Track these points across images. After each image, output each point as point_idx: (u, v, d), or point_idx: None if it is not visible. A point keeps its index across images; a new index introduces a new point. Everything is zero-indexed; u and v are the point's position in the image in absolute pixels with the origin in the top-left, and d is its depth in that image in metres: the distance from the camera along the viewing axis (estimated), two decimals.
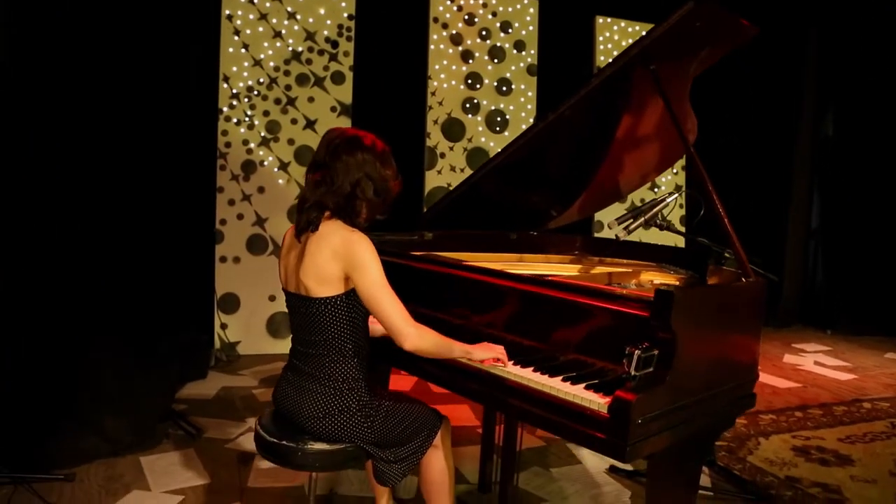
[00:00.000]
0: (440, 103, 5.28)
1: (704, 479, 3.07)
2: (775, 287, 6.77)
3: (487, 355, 2.02)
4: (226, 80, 4.69)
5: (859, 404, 4.36)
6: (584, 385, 1.83)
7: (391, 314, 1.91)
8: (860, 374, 5.08)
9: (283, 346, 4.86)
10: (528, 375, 1.92)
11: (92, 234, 3.58)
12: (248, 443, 3.32)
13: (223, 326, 4.73)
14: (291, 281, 2.05)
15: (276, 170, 4.83)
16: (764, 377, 4.84)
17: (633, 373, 1.71)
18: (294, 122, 4.85)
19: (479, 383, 2.04)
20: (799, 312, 6.86)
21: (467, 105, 5.36)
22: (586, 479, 3.11)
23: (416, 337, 1.92)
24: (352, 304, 1.98)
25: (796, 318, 6.82)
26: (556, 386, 1.85)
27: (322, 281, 1.94)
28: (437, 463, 2.20)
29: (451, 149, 5.30)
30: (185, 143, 4.44)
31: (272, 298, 4.83)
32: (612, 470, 3.21)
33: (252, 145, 4.77)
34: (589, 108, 2.54)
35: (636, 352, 1.70)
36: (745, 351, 2.10)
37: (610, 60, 2.48)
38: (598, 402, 1.75)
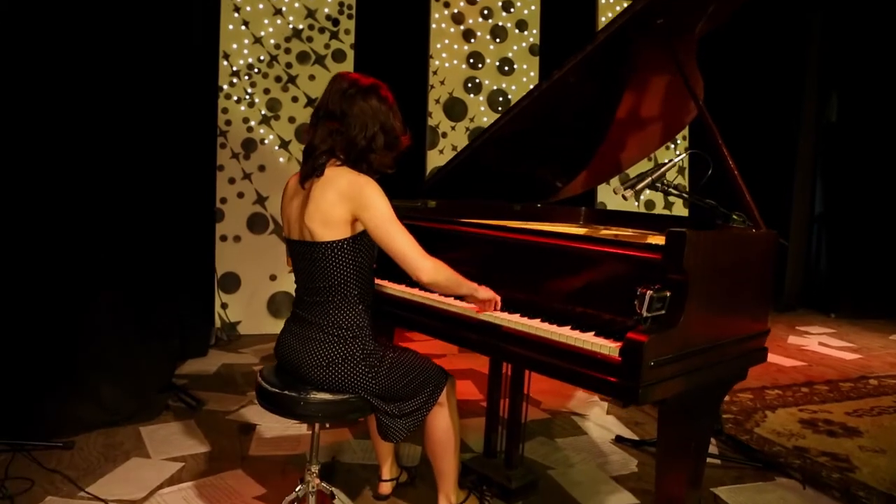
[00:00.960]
0: (442, 82, 5.24)
1: (711, 448, 3.03)
2: (779, 271, 6.74)
3: (490, 295, 2.02)
4: (226, 57, 4.66)
5: (865, 381, 4.32)
6: (593, 333, 1.80)
7: (405, 249, 1.89)
8: (865, 353, 5.05)
9: None
10: (536, 325, 1.89)
11: (93, 207, 3.53)
12: (249, 415, 3.29)
13: (224, 306, 4.69)
14: (295, 228, 2.01)
15: (276, 148, 4.79)
16: (769, 356, 4.80)
17: (644, 314, 1.67)
18: (295, 100, 4.81)
19: (489, 335, 2.02)
20: (802, 297, 6.82)
21: (469, 85, 5.33)
22: (592, 449, 3.07)
23: (433, 270, 1.90)
24: (358, 248, 1.94)
25: (799, 303, 6.78)
26: (565, 333, 1.82)
27: (327, 224, 1.90)
28: (442, 421, 2.17)
29: (453, 128, 5.26)
30: (185, 120, 4.38)
31: (273, 278, 4.79)
32: (618, 440, 3.17)
33: (252, 123, 4.73)
34: (595, 67, 2.49)
35: (648, 292, 1.67)
36: (758, 302, 2.06)
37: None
38: (608, 346, 1.71)
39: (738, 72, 6.45)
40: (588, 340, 1.76)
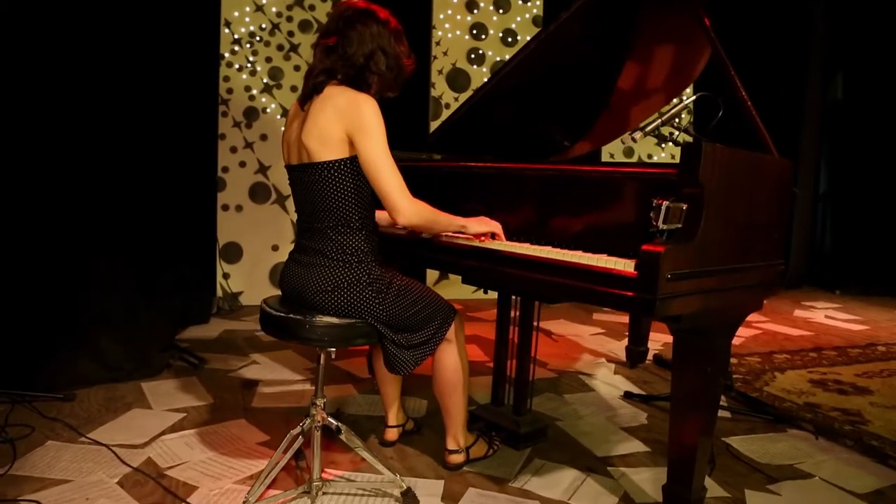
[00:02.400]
0: (445, 53, 5.20)
1: (721, 403, 2.98)
2: (784, 249, 6.67)
3: (483, 228, 2.01)
4: (227, 25, 4.61)
5: (874, 347, 4.28)
6: (605, 255, 1.76)
7: (389, 185, 1.84)
8: (872, 325, 5.00)
9: None
10: (548, 252, 1.86)
11: (96, 171, 3.50)
12: (251, 373, 3.25)
13: (225, 276, 4.65)
14: (294, 151, 1.97)
15: (278, 117, 4.74)
16: (775, 327, 4.77)
17: (660, 226, 1.63)
18: (297, 68, 4.77)
19: (501, 265, 1.97)
20: (807, 275, 6.77)
21: (472, 56, 5.28)
22: (601, 404, 3.03)
23: (412, 212, 1.87)
24: (357, 170, 1.90)
25: (804, 281, 6.73)
26: (578, 254, 1.78)
27: (324, 142, 1.85)
28: (450, 358, 2.13)
29: (456, 99, 5.21)
30: (186, 88, 4.34)
31: (275, 248, 4.74)
32: (627, 396, 3.13)
33: (254, 92, 4.68)
34: (602, 14, 2.45)
35: (664, 203, 1.63)
36: (773, 230, 2.02)
37: None
38: (623, 262, 1.67)
39: (742, 50, 6.39)
40: (602, 258, 1.73)
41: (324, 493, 2.05)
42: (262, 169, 4.71)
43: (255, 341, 3.83)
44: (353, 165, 1.89)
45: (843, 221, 6.81)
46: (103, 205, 3.54)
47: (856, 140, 6.66)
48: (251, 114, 4.67)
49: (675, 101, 3.13)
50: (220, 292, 4.60)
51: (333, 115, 1.85)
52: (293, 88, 4.76)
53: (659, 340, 4.08)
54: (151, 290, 3.60)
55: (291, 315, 1.86)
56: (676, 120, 2.56)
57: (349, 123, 1.84)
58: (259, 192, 4.72)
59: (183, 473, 2.17)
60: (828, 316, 5.30)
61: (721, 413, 2.86)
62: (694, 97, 2.64)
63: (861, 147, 6.61)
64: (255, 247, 4.70)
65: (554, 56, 2.55)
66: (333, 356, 1.95)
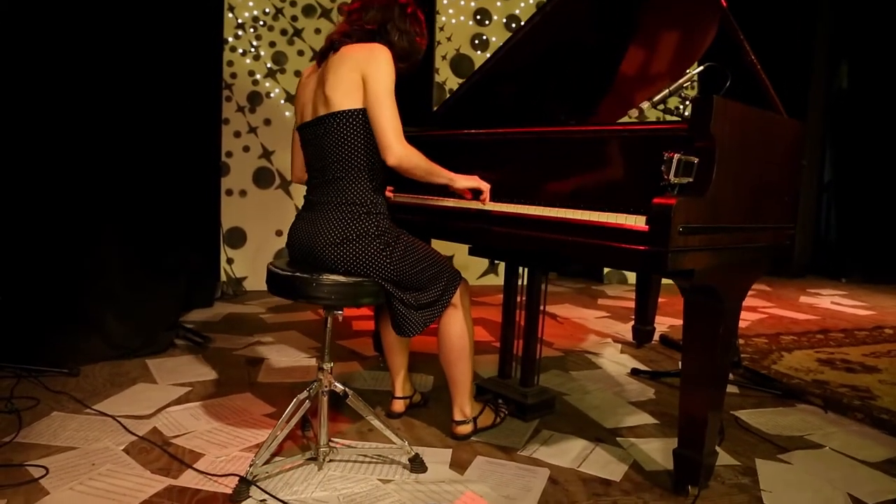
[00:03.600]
0: (449, 39, 5.18)
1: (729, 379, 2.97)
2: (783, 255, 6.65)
3: (470, 184, 2.06)
4: (231, 9, 4.60)
5: (881, 330, 4.25)
6: (615, 213, 1.75)
7: (386, 125, 1.88)
8: (879, 311, 4.97)
9: None
10: (560, 212, 1.85)
11: (100, 154, 3.49)
12: (256, 351, 3.23)
13: (229, 261, 4.64)
14: (308, 109, 2.00)
15: (282, 102, 4.73)
16: (780, 311, 4.75)
17: (672, 179, 1.62)
18: (301, 53, 4.76)
19: (511, 226, 1.97)
20: (812, 265, 6.75)
21: (476, 41, 5.27)
22: (608, 380, 3.01)
23: (402, 153, 1.89)
24: (369, 123, 1.91)
25: (809, 270, 6.71)
26: (587, 212, 1.77)
27: (345, 91, 1.89)
28: (456, 324, 2.12)
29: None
30: (189, 72, 4.32)
31: (279, 234, 4.73)
32: (634, 372, 3.11)
33: (258, 76, 4.67)
34: None
35: (676, 155, 1.61)
36: (785, 192, 2.00)
37: None
38: (634, 218, 1.66)
39: (747, 40, 6.37)
40: (613, 215, 1.71)
41: (330, 460, 2.03)
42: (266, 154, 4.70)
43: (260, 323, 3.81)
44: (366, 119, 1.93)
45: (847, 210, 6.79)
46: (109, 188, 3.53)
47: (860, 129, 6.63)
48: (255, 98, 4.66)
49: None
50: (223, 277, 4.59)
51: (352, 65, 1.91)
52: (297, 73, 4.74)
53: (665, 323, 4.07)
54: (156, 271, 3.59)
55: (298, 274, 1.84)
56: (683, 91, 2.55)
57: (364, 66, 1.90)
58: (263, 177, 4.70)
59: (189, 442, 2.16)
60: (833, 302, 5.27)
61: (729, 389, 2.83)
62: (701, 67, 2.63)
63: (866, 136, 6.59)
64: (259, 232, 4.69)
65: (557, 33, 2.54)
66: (341, 318, 1.94)
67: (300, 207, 2.09)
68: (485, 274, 5.31)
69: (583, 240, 1.74)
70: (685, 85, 2.51)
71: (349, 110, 1.90)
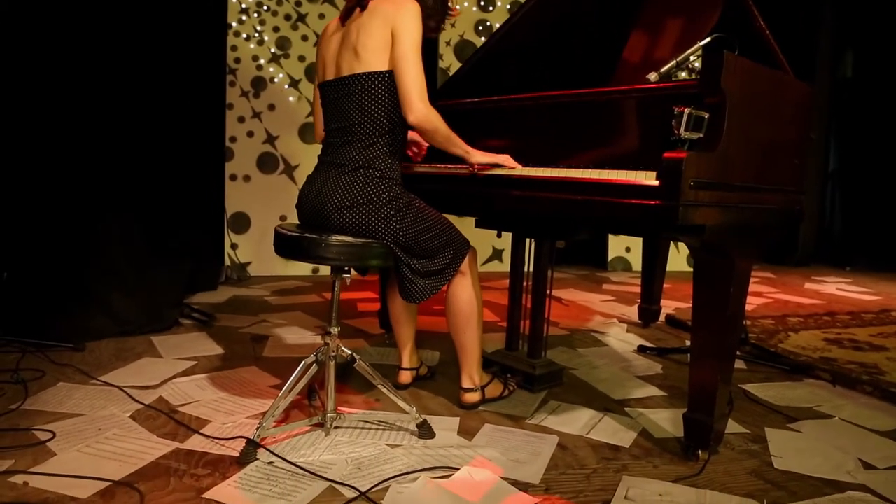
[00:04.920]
0: (452, 25, 5.17)
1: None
2: (793, 228, 6.64)
3: (486, 159, 2.04)
4: None
5: (887, 313, 4.23)
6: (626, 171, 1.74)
7: (411, 83, 1.87)
8: (885, 296, 4.95)
9: (295, 268, 4.76)
10: (571, 172, 1.84)
11: (106, 137, 3.50)
12: (262, 329, 3.22)
13: (234, 246, 4.63)
14: (331, 68, 2.00)
15: (286, 87, 4.72)
16: (786, 296, 4.73)
17: (682, 134, 1.61)
18: (304, 38, 4.75)
19: (526, 188, 1.96)
20: (816, 254, 6.73)
21: (480, 27, 5.26)
22: (615, 356, 3.00)
23: (424, 113, 1.88)
24: (395, 86, 1.92)
25: (814, 259, 6.69)
26: (597, 171, 1.76)
27: (375, 49, 1.89)
28: (464, 291, 2.11)
29: None
30: (194, 57, 4.32)
31: (283, 219, 4.72)
32: (641, 349, 3.10)
33: (262, 61, 4.66)
34: None
35: (686, 109, 1.60)
36: (794, 155, 1.98)
37: None
38: (644, 174, 1.65)
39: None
40: (622, 172, 1.70)
41: (336, 427, 2.02)
42: (270, 139, 4.69)
43: (266, 305, 3.81)
44: (391, 81, 1.92)
45: (852, 199, 6.77)
46: (114, 170, 3.55)
47: (865, 118, 6.61)
48: (259, 83, 4.66)
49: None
50: (227, 262, 4.58)
51: (382, 20, 1.90)
52: (301, 58, 4.74)
53: (671, 305, 4.05)
54: (160, 252, 3.59)
55: (307, 234, 1.83)
56: (690, 63, 2.54)
57: (394, 19, 1.88)
58: (267, 163, 4.70)
59: (195, 410, 2.15)
60: (839, 288, 5.26)
61: (736, 364, 2.82)
62: (708, 38, 2.62)
63: (871, 125, 6.57)
64: (264, 217, 4.68)
65: (561, 14, 2.53)
66: (349, 282, 1.93)
67: (314, 169, 2.07)
68: (489, 261, 5.31)
69: (595, 198, 1.73)
70: (692, 57, 2.51)
71: (375, 72, 1.90)
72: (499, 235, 2.59)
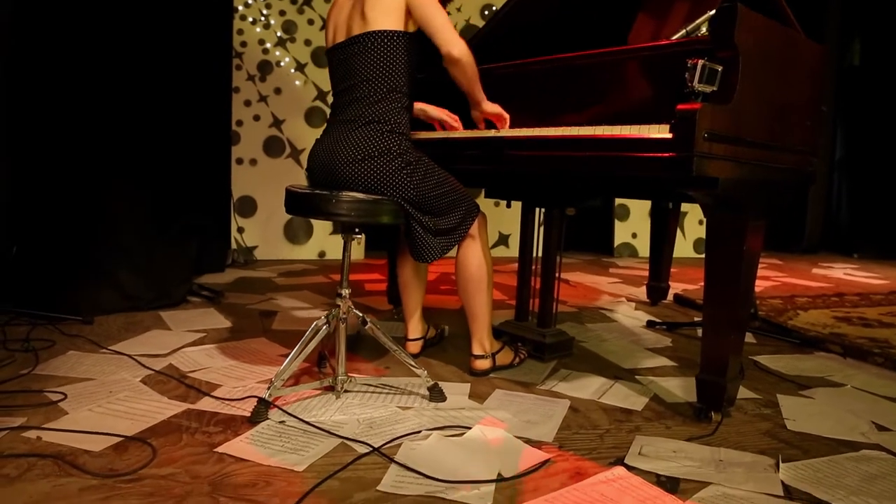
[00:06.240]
0: (458, 10, 5.17)
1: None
2: (799, 215, 6.63)
3: (494, 110, 2.12)
4: None
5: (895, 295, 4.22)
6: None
7: (444, 24, 1.92)
8: (893, 280, 4.93)
9: (302, 252, 4.76)
10: (583, 130, 1.84)
11: (116, 115, 3.49)
12: (270, 306, 3.22)
13: (240, 230, 4.63)
14: (342, 30, 2.01)
15: (292, 70, 4.72)
16: (794, 280, 4.72)
17: (696, 87, 1.60)
18: (311, 22, 4.75)
19: (539, 148, 1.95)
20: (823, 242, 6.71)
21: (486, 12, 5.25)
22: (623, 331, 2.99)
23: (465, 49, 1.95)
24: (409, 47, 1.96)
25: (820, 248, 6.67)
26: (611, 126, 1.75)
27: (387, 10, 1.91)
28: (474, 255, 2.10)
29: None
30: (200, 40, 4.31)
31: None
32: (650, 325, 3.09)
33: (268, 45, 4.66)
34: None
35: (700, 61, 1.59)
36: (807, 116, 1.97)
37: None
38: (658, 128, 1.64)
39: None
40: (636, 127, 1.70)
41: (346, 391, 2.02)
42: (277, 123, 4.69)
43: (272, 284, 3.81)
44: (406, 41, 1.95)
45: (859, 188, 6.74)
46: (122, 151, 3.53)
47: (873, 107, 6.58)
48: (265, 67, 4.66)
49: None
50: (234, 245, 4.58)
51: None
52: (307, 42, 4.74)
53: (678, 287, 4.04)
54: (167, 232, 3.58)
55: (317, 191, 1.83)
56: (699, 33, 2.53)
57: None
58: (273, 146, 4.70)
59: (206, 375, 2.15)
60: (847, 273, 5.24)
61: (746, 338, 2.80)
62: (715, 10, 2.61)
63: (878, 114, 6.53)
64: (270, 201, 4.68)
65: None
66: (360, 242, 1.92)
67: (323, 130, 2.08)
68: (495, 246, 5.30)
69: (607, 153, 1.72)
70: (702, 25, 2.49)
71: (384, 31, 1.91)
72: (508, 206, 2.58)
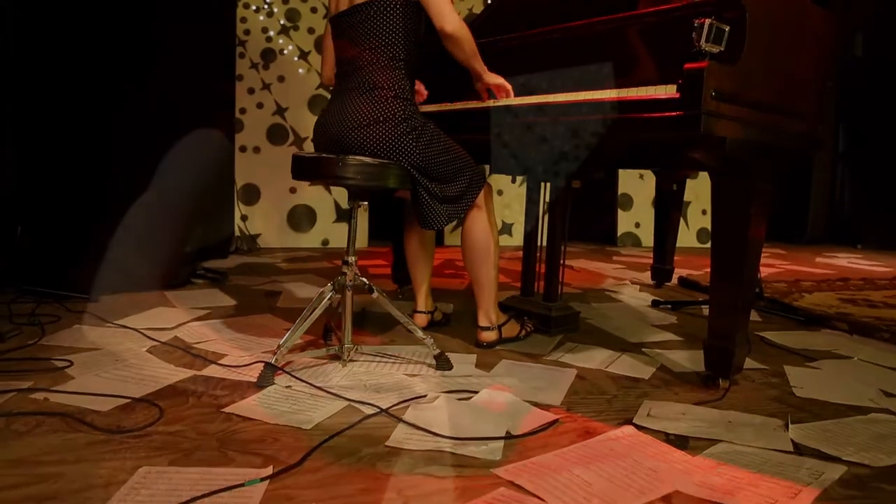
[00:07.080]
0: None
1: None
2: (803, 207, 6.62)
3: (496, 81, 2.11)
4: None
5: None
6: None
7: (438, 2, 1.91)
8: None
9: (305, 240, 4.76)
10: (590, 94, 1.84)
11: (119, 100, 3.50)
12: (275, 287, 3.22)
13: (244, 218, 4.63)
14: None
15: (296, 59, 4.72)
16: (798, 268, 4.71)
17: (703, 46, 1.59)
18: (314, 10, 4.75)
19: (539, 115, 1.95)
20: (827, 234, 6.70)
21: (488, 1, 5.24)
22: (629, 310, 2.99)
23: (460, 22, 1.95)
24: (408, 13, 1.94)
25: (824, 239, 6.66)
26: (618, 90, 1.75)
27: None
28: (480, 225, 2.10)
29: None
30: (203, 28, 4.31)
31: (293, 191, 4.72)
32: (655, 304, 3.08)
33: (272, 33, 4.66)
34: None
35: (707, 21, 1.59)
36: (813, 81, 1.97)
37: None
38: (665, 88, 1.64)
39: None
40: (643, 89, 1.69)
41: (352, 360, 2.01)
42: (280, 111, 4.69)
43: (277, 268, 3.81)
44: (405, 7, 1.94)
45: (862, 179, 6.73)
46: (125, 134, 3.54)
47: (875, 98, 6.57)
48: (268, 55, 4.66)
49: None
50: (237, 233, 4.58)
51: None
52: (310, 30, 4.74)
53: (682, 273, 4.03)
54: (172, 215, 3.58)
55: (324, 155, 1.83)
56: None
57: None
58: (277, 134, 4.69)
59: (212, 346, 2.15)
60: (850, 262, 5.23)
61: (752, 316, 2.80)
62: None
63: (881, 105, 6.53)
64: (274, 189, 4.68)
65: None
66: (366, 208, 1.92)
67: (328, 101, 2.08)
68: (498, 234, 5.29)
69: (615, 116, 1.72)
70: None
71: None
72: (513, 181, 2.57)
